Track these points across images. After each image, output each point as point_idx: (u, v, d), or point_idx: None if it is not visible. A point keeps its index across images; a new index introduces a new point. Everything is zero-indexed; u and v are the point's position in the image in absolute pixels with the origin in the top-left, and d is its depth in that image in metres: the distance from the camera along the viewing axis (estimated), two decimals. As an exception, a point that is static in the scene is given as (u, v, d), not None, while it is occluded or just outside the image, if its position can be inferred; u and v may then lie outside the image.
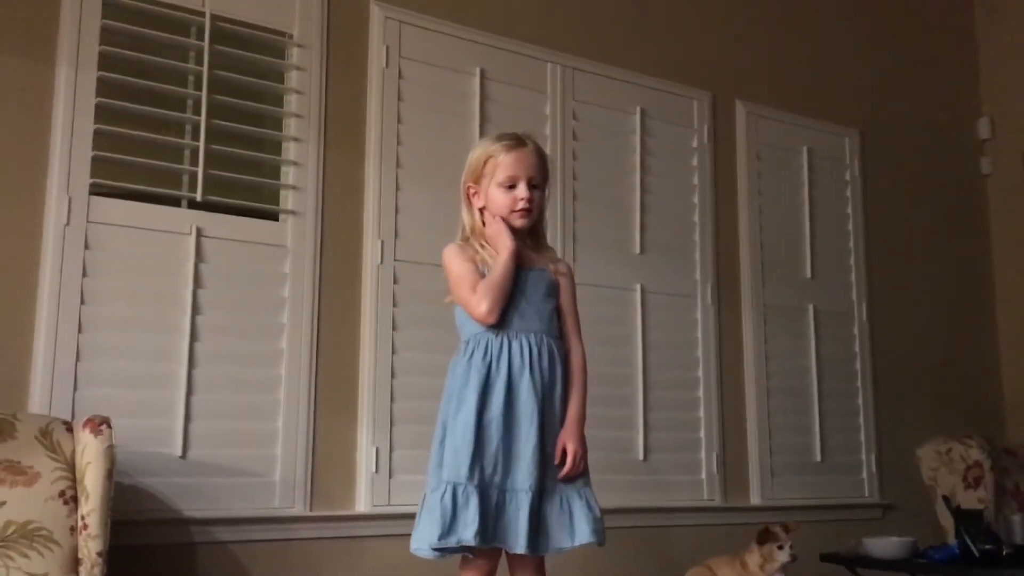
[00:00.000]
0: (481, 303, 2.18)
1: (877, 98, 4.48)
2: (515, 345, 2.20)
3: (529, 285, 2.26)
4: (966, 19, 4.94)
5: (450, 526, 2.05)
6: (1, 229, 2.57)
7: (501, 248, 2.25)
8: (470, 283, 2.22)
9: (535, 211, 2.30)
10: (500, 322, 2.21)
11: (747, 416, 3.80)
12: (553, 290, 2.31)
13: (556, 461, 2.19)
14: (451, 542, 2.05)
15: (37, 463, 2.22)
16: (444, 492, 2.09)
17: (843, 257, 4.22)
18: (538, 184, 2.31)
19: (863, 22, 4.51)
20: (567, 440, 2.20)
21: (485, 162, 2.29)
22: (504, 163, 2.27)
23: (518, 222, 2.28)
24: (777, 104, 4.11)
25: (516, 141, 2.30)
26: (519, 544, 2.09)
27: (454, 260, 2.27)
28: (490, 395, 2.15)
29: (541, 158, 2.33)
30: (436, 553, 2.10)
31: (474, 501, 2.06)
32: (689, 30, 3.95)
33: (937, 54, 4.78)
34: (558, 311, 2.31)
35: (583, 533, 2.17)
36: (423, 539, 2.11)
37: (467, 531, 2.04)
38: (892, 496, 4.12)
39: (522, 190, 2.27)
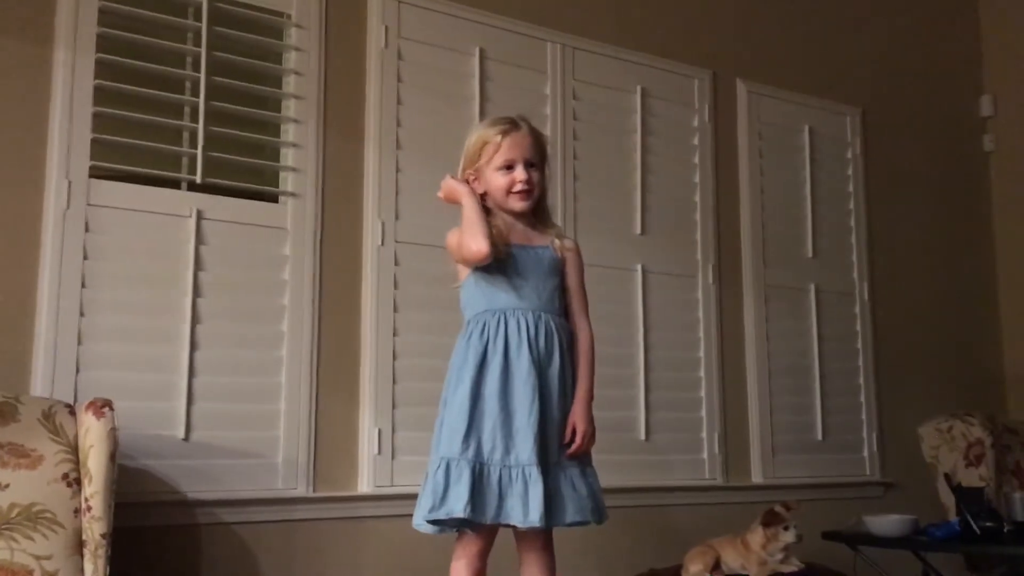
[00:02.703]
0: (470, 244, 2.20)
1: (879, 76, 4.46)
2: (512, 324, 2.21)
3: (528, 264, 2.28)
4: (968, -4, 4.92)
5: (441, 499, 2.09)
6: (1, 213, 2.57)
7: (460, 196, 2.27)
8: None
9: (535, 191, 2.31)
10: (498, 302, 2.24)
11: (748, 395, 3.80)
12: (556, 267, 2.32)
13: (566, 439, 2.21)
14: (440, 515, 2.09)
15: (40, 446, 2.22)
16: (439, 467, 2.12)
17: (844, 236, 4.21)
18: (535, 164, 2.32)
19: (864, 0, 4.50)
20: (577, 419, 2.23)
21: (481, 149, 2.30)
22: (500, 148, 2.28)
23: (518, 204, 2.30)
24: (778, 83, 4.09)
25: (510, 125, 2.31)
26: (532, 517, 2.09)
27: (453, 234, 2.29)
28: (486, 373, 2.18)
29: (536, 138, 2.35)
30: (431, 527, 2.13)
31: (466, 475, 2.09)
32: (689, 8, 3.92)
33: (939, 31, 4.75)
34: (563, 290, 2.32)
35: (584, 511, 2.20)
36: (419, 513, 2.15)
37: (458, 504, 2.07)
38: (893, 474, 4.13)
39: (519, 172, 2.28)
